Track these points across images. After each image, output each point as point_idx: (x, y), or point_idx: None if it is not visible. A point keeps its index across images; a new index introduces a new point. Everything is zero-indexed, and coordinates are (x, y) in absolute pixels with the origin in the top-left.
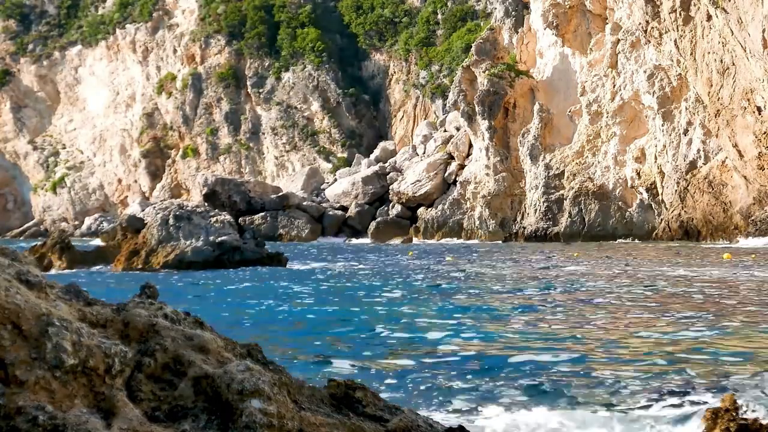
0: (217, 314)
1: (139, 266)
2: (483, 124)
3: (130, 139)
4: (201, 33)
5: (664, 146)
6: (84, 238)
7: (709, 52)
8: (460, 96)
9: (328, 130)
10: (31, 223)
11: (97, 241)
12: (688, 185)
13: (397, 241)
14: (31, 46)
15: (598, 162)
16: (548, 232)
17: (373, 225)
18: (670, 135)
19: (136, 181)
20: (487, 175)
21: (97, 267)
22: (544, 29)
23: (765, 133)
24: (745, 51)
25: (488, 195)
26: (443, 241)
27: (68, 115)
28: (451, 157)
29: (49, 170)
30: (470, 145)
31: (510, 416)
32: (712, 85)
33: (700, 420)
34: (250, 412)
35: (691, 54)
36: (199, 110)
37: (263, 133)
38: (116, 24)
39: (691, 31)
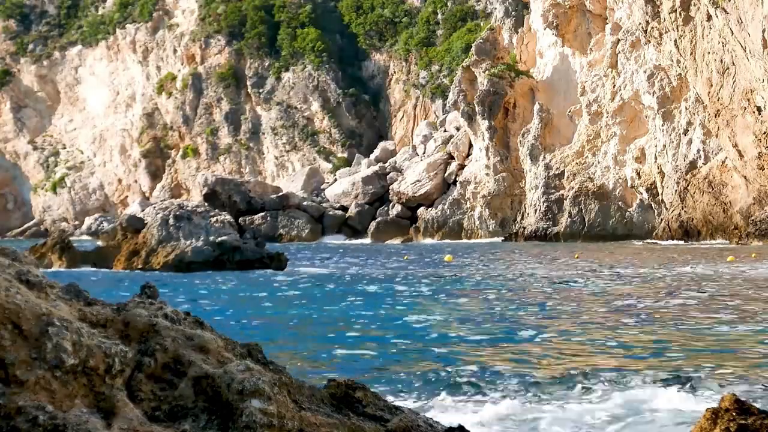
0: (216, 314)
1: (139, 266)
2: (483, 124)
3: (130, 139)
4: (201, 33)
5: (664, 146)
6: (84, 238)
7: (709, 52)
8: (460, 96)
9: (328, 130)
10: (31, 223)
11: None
12: (688, 185)
13: (396, 241)
14: (31, 46)
15: (598, 162)
16: (548, 232)
17: (373, 225)
18: (670, 135)
19: (136, 181)
20: (487, 175)
21: (97, 267)
22: (544, 29)
23: (765, 133)
24: (745, 51)
25: (488, 195)
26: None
27: (68, 115)
28: (451, 157)
29: (49, 170)
30: (470, 145)
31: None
32: (712, 85)
33: (700, 420)
34: (250, 412)
35: (691, 54)
36: (199, 110)
37: (263, 133)
38: (116, 24)
39: (691, 31)
